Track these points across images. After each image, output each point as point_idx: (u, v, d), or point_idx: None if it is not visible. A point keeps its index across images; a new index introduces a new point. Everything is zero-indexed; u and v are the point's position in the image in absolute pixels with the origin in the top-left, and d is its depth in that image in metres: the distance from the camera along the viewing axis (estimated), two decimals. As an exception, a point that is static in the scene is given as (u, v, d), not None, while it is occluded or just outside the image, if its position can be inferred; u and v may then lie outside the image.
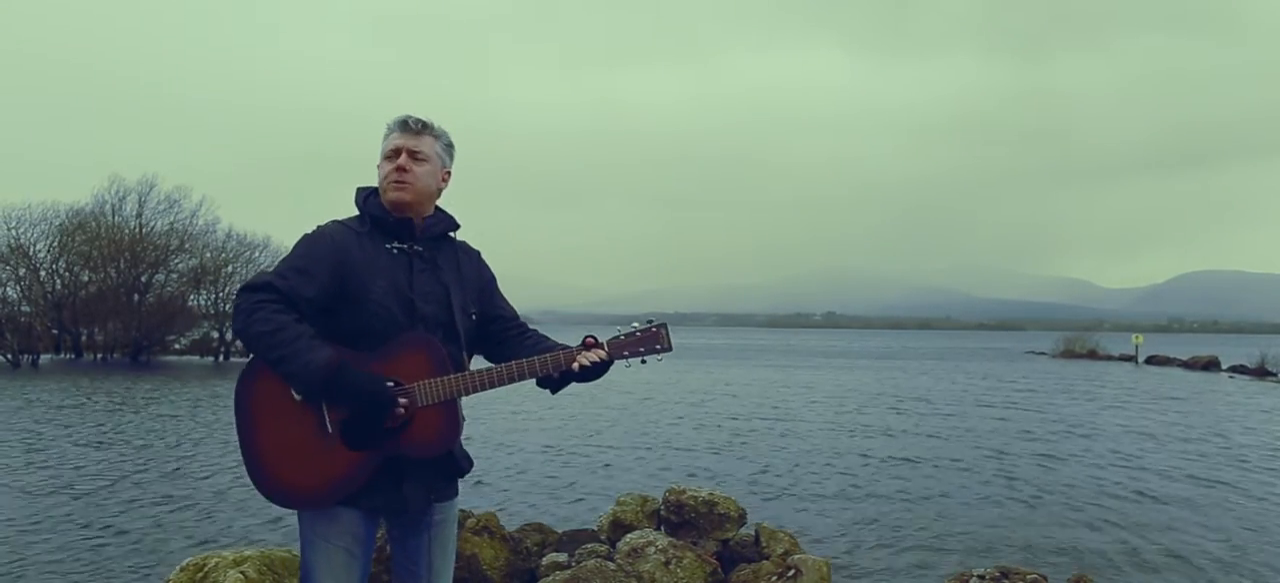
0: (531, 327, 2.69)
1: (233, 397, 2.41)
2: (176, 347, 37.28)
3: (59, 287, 35.15)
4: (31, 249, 34.50)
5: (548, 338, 2.62)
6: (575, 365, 2.47)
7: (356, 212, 2.52)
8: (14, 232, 33.92)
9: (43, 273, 34.87)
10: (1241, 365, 33.76)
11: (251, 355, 2.39)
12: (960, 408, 17.73)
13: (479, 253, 2.68)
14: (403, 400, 2.32)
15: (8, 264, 33.72)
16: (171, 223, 36.86)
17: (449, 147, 2.56)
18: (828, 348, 61.76)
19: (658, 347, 2.50)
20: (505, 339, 2.63)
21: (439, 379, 2.36)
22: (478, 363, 2.59)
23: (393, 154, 2.46)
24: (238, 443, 2.39)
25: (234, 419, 2.39)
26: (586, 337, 2.52)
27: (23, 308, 33.68)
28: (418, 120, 2.50)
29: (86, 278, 35.77)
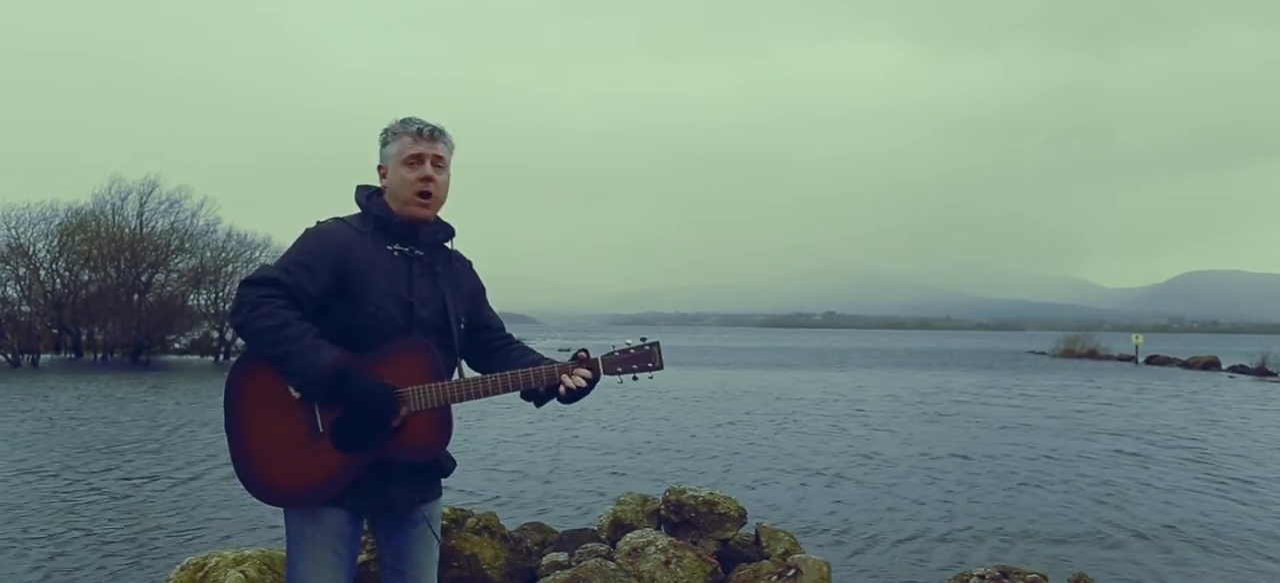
0: (516, 338, 2.70)
1: (223, 389, 2.38)
2: (176, 346, 37.33)
3: (59, 286, 35.20)
4: (31, 249, 34.56)
5: (532, 350, 2.61)
6: (562, 389, 2.45)
7: (358, 209, 2.50)
8: (14, 231, 33.98)
9: (43, 272, 34.90)
10: (1241, 365, 33.78)
11: (246, 349, 2.35)
12: (959, 408, 17.72)
13: (470, 263, 2.67)
14: (404, 408, 2.32)
15: (8, 264, 33.74)
16: (172, 223, 36.98)
17: (452, 149, 2.53)
18: (826, 349, 61.72)
19: (650, 365, 2.53)
20: (492, 349, 2.63)
21: (433, 385, 2.35)
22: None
23: (415, 161, 2.43)
24: (226, 438, 2.37)
25: (223, 413, 2.37)
26: (579, 351, 2.51)
27: (23, 307, 33.71)
28: (432, 126, 2.46)
29: (86, 277, 35.82)
